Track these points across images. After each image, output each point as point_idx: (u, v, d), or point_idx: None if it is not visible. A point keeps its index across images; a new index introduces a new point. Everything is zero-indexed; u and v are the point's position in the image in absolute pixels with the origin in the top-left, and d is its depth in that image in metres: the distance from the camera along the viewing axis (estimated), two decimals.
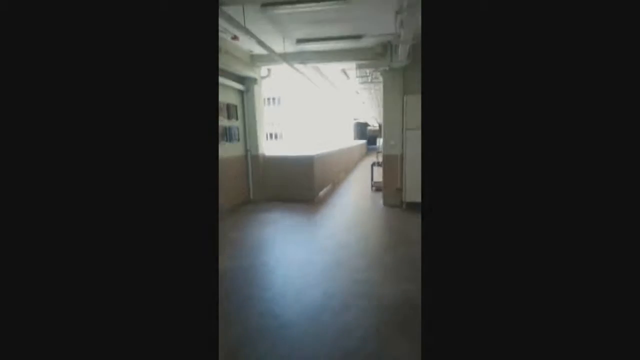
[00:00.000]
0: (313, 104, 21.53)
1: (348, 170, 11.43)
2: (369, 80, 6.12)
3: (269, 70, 6.32)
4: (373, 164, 7.62)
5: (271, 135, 24.41)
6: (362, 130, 29.04)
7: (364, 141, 20.53)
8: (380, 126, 28.86)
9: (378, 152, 13.85)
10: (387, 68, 5.24)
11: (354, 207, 5.79)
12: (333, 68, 6.89)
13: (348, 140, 19.14)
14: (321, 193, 6.95)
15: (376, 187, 7.33)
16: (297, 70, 5.74)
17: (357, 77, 5.97)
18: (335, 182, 8.54)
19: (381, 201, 5.96)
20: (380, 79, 5.82)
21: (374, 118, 23.87)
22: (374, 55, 5.26)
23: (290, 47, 5.28)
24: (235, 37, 4.56)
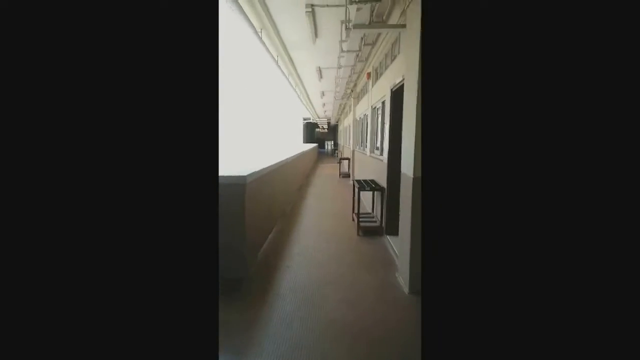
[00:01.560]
0: (256, 97, 17.81)
1: (301, 186, 8.05)
2: (367, 23, 2.92)
3: None
4: (358, 188, 4.33)
5: None
6: (311, 131, 26.05)
7: (315, 145, 17.11)
8: (330, 126, 25.87)
9: (341, 159, 10.57)
10: None
11: (350, 325, 2.44)
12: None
13: (297, 145, 15.41)
14: (261, 253, 3.40)
15: (365, 229, 4.09)
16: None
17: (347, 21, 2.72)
18: (285, 216, 5.12)
19: (403, 285, 2.74)
20: (394, 19, 2.68)
21: (325, 118, 20.90)
22: None
23: None
24: None
